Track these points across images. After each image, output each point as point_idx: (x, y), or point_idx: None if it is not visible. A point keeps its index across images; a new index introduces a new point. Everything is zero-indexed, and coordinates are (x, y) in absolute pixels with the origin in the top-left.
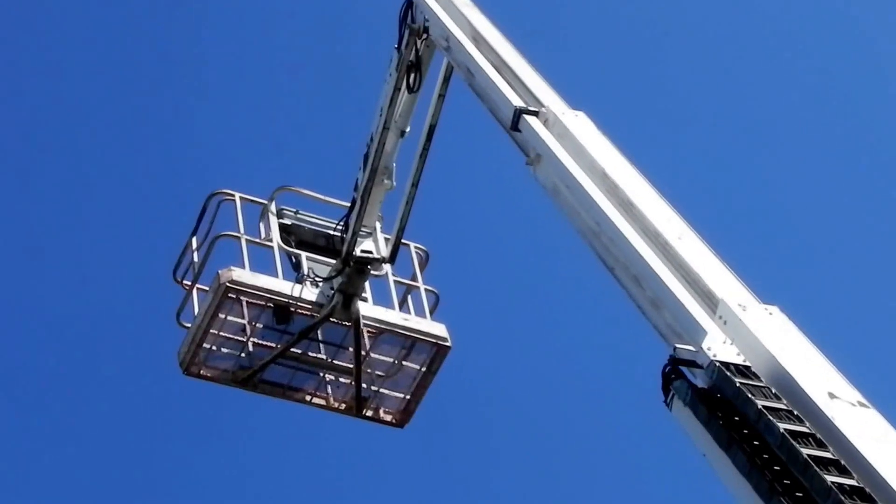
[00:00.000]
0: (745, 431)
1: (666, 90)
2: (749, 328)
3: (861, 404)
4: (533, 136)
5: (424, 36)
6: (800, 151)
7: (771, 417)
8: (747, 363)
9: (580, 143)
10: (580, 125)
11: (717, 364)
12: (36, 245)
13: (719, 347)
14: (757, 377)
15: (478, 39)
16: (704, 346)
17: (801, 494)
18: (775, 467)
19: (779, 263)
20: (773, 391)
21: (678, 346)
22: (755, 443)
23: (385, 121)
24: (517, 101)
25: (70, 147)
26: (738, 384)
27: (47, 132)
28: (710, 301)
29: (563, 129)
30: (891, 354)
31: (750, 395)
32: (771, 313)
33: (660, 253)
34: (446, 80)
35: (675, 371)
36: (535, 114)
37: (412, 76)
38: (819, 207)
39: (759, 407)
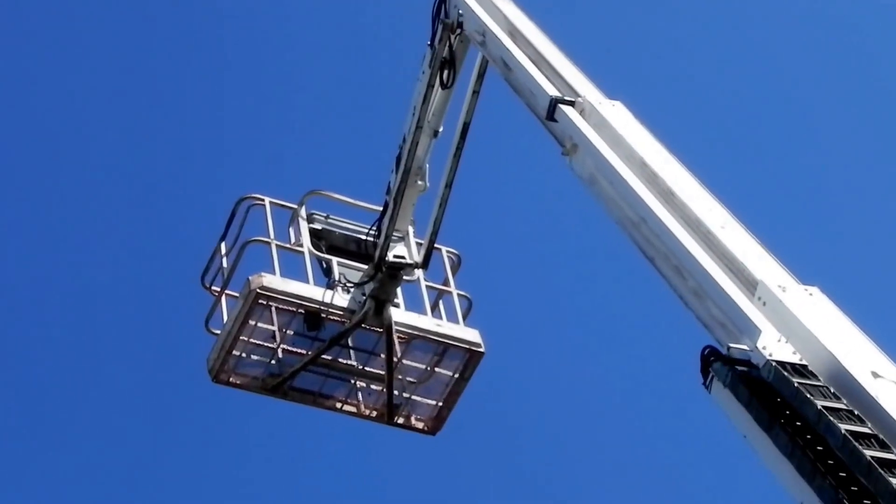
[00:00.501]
0: (787, 412)
1: (698, 73)
2: (789, 309)
3: None
4: (569, 125)
5: (458, 31)
6: (838, 131)
7: (832, 418)
8: (804, 362)
9: (618, 132)
10: (617, 114)
11: (774, 364)
12: (64, 250)
13: (775, 346)
14: (814, 376)
15: (514, 33)
16: (759, 344)
17: (844, 474)
18: (817, 447)
19: (817, 245)
20: (832, 390)
21: (732, 345)
22: (796, 423)
23: (418, 119)
24: (553, 92)
25: (99, 151)
26: (796, 384)
27: (77, 136)
28: (754, 289)
29: (600, 118)
30: None
31: (809, 396)
32: (811, 294)
33: (703, 243)
34: (481, 75)
35: (713, 353)
36: (572, 104)
37: (446, 72)
38: (854, 188)
39: (819, 408)
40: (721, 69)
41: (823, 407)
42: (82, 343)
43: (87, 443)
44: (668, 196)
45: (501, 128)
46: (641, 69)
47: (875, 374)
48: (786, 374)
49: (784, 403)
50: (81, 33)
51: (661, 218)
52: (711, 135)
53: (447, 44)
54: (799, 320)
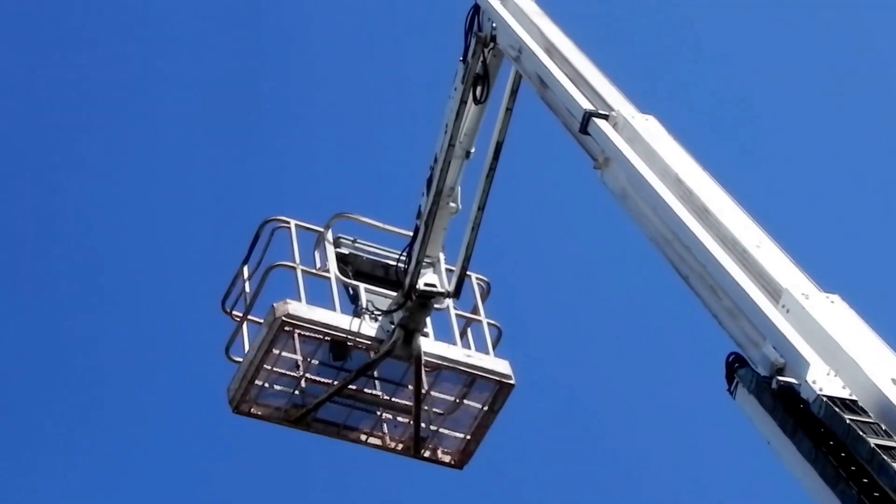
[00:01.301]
0: (811, 421)
1: (721, 81)
2: (812, 316)
3: None
4: (602, 138)
5: (491, 45)
6: (857, 140)
7: (885, 457)
8: (853, 397)
9: (651, 147)
10: (651, 129)
11: (825, 399)
12: (82, 269)
13: (825, 381)
14: (865, 412)
15: (550, 49)
16: (809, 378)
17: (867, 480)
18: (841, 454)
19: (838, 253)
20: (883, 427)
21: (780, 378)
22: (821, 430)
23: (451, 137)
24: (586, 105)
25: (123, 169)
26: (847, 421)
27: (100, 150)
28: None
29: (633, 132)
30: None
31: (861, 434)
32: (833, 301)
33: (738, 262)
34: (514, 92)
35: (738, 359)
36: (605, 117)
37: (479, 88)
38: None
39: (872, 446)
40: (742, 76)
41: (876, 445)
42: (97, 368)
43: (103, 472)
44: (703, 213)
45: (532, 149)
46: (667, 81)
47: (895, 381)
48: (837, 410)
49: (809, 415)
50: (113, 45)
51: (696, 235)
52: (726, 136)
53: (480, 58)
54: (822, 328)
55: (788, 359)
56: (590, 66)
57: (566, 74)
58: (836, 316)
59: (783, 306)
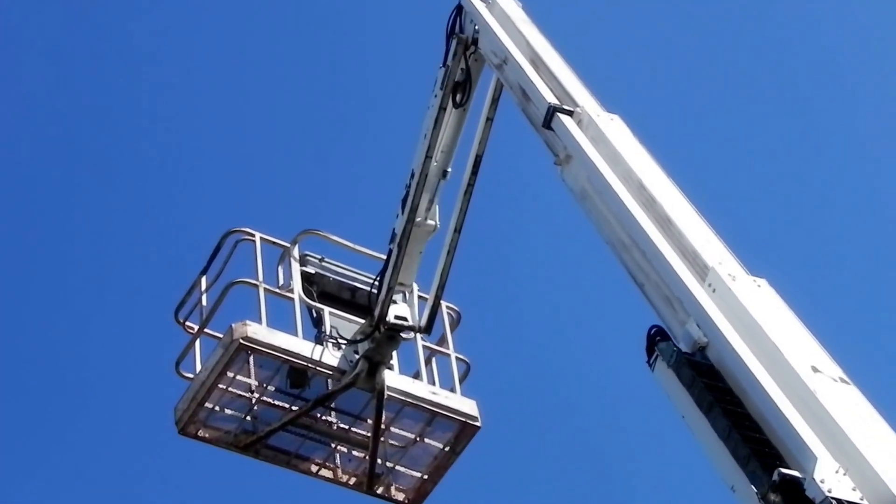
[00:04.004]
0: (728, 398)
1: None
2: (737, 297)
3: (842, 380)
4: (565, 134)
5: (473, 48)
6: (789, 127)
7: None
8: (864, 501)
9: (616, 149)
10: (616, 130)
11: (833, 502)
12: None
13: (833, 480)
14: None
15: (535, 61)
16: (817, 476)
17: (778, 463)
18: (755, 435)
19: (767, 238)
20: None
21: (783, 470)
22: (738, 410)
23: (428, 149)
24: (551, 99)
25: (85, 161)
26: None
27: (63, 145)
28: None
29: (597, 131)
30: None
31: None
32: (759, 285)
33: (698, 276)
34: (495, 101)
35: (660, 333)
36: (570, 113)
37: (459, 95)
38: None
39: None
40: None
41: None
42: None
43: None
44: (665, 223)
45: (502, 175)
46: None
47: (815, 369)
48: None
49: (727, 389)
50: (74, 44)
51: (658, 246)
52: (671, 119)
53: (461, 61)
54: (746, 309)
55: (793, 448)
56: (560, 62)
57: (528, 60)
58: (760, 299)
59: (709, 285)
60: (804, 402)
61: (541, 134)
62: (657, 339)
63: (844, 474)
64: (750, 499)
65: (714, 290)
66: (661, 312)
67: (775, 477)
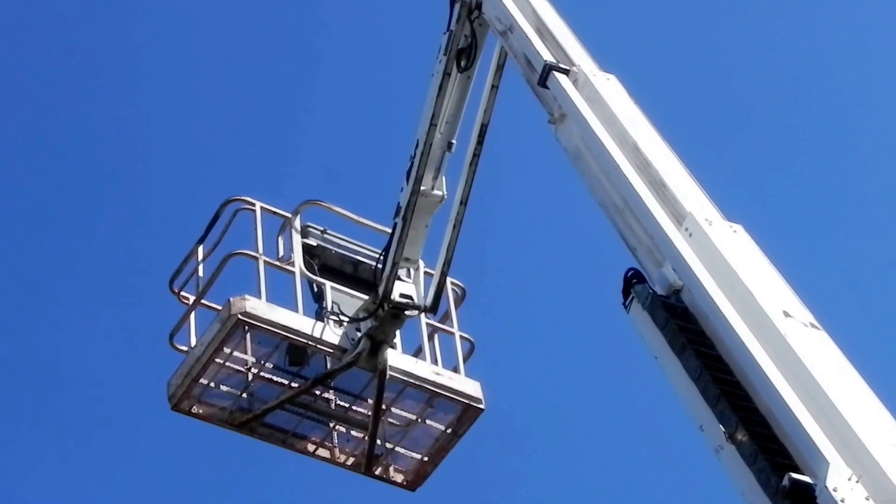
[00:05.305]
0: (701, 340)
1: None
2: (713, 242)
3: (813, 325)
4: (560, 93)
5: (477, 13)
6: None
7: None
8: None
9: (612, 110)
10: (611, 90)
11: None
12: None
13: (846, 489)
14: None
15: (541, 30)
16: (829, 483)
17: (745, 403)
18: (725, 377)
19: (745, 184)
20: None
21: (793, 475)
22: (710, 352)
23: (433, 116)
24: (548, 57)
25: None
26: None
27: (56, 126)
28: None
29: (593, 91)
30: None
31: None
32: (735, 231)
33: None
34: (500, 67)
35: (637, 276)
36: (566, 72)
37: (463, 60)
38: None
39: None
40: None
41: None
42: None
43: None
44: (659, 187)
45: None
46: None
47: (786, 314)
48: None
49: (700, 332)
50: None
51: (651, 210)
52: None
53: (465, 25)
54: (721, 254)
55: (803, 450)
56: (559, 21)
57: (532, 27)
58: (735, 244)
59: (686, 229)
60: (774, 346)
61: (536, 93)
62: (634, 281)
63: (857, 482)
64: (717, 437)
65: (690, 235)
66: (651, 275)
67: (785, 482)
